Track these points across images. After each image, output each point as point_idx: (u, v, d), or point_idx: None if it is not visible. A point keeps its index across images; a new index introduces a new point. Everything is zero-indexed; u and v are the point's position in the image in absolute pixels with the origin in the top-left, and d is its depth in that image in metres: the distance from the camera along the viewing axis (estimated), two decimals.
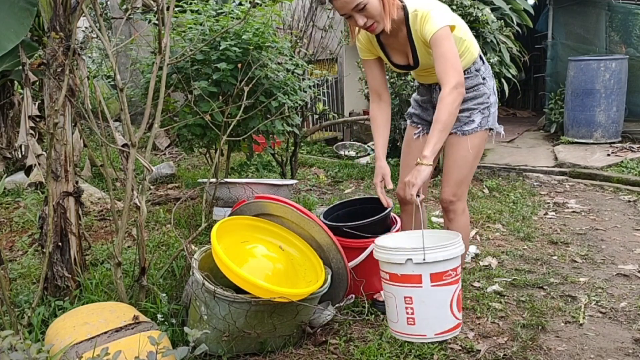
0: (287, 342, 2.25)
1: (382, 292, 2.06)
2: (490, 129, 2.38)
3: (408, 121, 2.56)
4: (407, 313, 1.91)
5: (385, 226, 2.65)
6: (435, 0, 2.21)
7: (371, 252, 2.53)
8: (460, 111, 2.27)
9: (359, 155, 6.38)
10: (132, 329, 1.91)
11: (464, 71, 2.24)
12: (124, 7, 4.81)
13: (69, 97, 2.37)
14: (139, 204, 2.29)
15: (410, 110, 2.57)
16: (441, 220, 3.83)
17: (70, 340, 1.81)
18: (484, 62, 2.34)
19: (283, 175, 4.66)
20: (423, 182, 2.04)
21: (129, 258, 2.92)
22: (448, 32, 2.07)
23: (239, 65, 3.17)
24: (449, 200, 2.35)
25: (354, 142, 6.83)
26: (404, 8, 2.14)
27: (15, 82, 4.89)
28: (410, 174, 2.07)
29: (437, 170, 4.38)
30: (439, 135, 2.05)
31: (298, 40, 4.49)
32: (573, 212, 4.13)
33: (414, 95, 2.56)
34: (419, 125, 2.49)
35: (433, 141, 2.05)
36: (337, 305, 2.43)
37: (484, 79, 2.31)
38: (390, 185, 2.27)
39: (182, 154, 6.35)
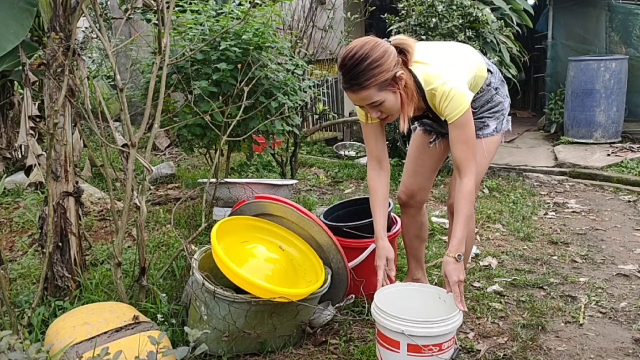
0: (287, 342, 2.25)
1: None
2: (508, 129, 2.35)
3: (420, 127, 2.45)
4: None
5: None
6: (451, 53, 2.11)
7: (371, 252, 2.54)
8: (475, 119, 2.19)
9: (359, 155, 6.38)
10: (132, 329, 1.91)
11: (478, 91, 2.18)
12: (124, 7, 4.81)
13: (69, 98, 2.37)
14: (139, 204, 2.29)
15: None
16: (441, 220, 3.83)
17: (70, 340, 1.81)
18: (492, 72, 2.25)
19: (283, 176, 4.66)
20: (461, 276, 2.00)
21: (129, 258, 2.92)
22: (469, 117, 1.97)
23: (239, 65, 3.17)
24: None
25: (354, 142, 6.83)
26: (414, 77, 2.01)
27: (15, 82, 4.90)
28: (453, 272, 1.98)
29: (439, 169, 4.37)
30: (464, 228, 2.00)
31: (298, 41, 4.49)
32: (573, 212, 4.13)
33: None
34: (433, 134, 2.40)
35: (459, 236, 1.99)
36: (337, 305, 2.43)
37: (496, 89, 2.25)
38: (394, 271, 2.15)
39: (182, 154, 6.35)
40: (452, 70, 2.01)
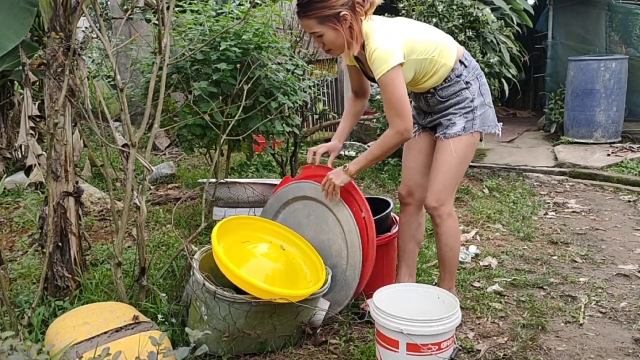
0: (287, 342, 2.25)
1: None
2: (481, 131, 2.36)
3: None
4: None
5: (385, 226, 2.65)
6: (401, 24, 2.21)
7: None
8: (443, 116, 2.30)
9: (358, 155, 6.38)
10: (132, 329, 1.91)
11: (444, 80, 2.25)
12: (125, 7, 4.81)
13: (69, 97, 2.37)
14: (139, 204, 2.29)
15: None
16: None
17: (71, 340, 1.81)
18: (466, 66, 2.28)
19: (283, 175, 4.65)
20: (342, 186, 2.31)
21: (129, 258, 2.92)
22: (392, 77, 2.06)
23: (239, 65, 3.17)
24: (432, 206, 2.33)
25: (354, 142, 6.82)
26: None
27: (15, 82, 4.89)
28: (334, 173, 2.32)
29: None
30: (366, 162, 2.29)
31: (298, 40, 4.49)
32: (573, 212, 4.13)
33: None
34: (415, 125, 2.47)
35: (362, 163, 2.28)
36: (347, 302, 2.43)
37: (467, 83, 2.26)
38: (317, 162, 2.47)
39: (182, 154, 6.35)
40: (388, 35, 2.12)
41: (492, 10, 5.08)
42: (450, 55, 2.24)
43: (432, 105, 2.34)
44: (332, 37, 2.10)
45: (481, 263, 3.14)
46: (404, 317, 1.89)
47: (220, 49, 3.32)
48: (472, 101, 2.28)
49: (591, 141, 5.98)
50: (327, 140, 7.30)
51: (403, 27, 2.20)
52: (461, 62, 2.28)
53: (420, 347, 1.87)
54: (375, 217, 2.64)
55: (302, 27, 2.18)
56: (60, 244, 2.41)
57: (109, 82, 7.27)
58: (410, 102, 2.41)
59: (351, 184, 2.40)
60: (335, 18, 2.05)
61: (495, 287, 2.81)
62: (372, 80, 2.34)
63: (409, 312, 1.97)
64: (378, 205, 2.75)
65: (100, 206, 4.12)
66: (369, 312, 2.11)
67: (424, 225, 2.63)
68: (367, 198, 2.92)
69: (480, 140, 2.42)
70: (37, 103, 3.37)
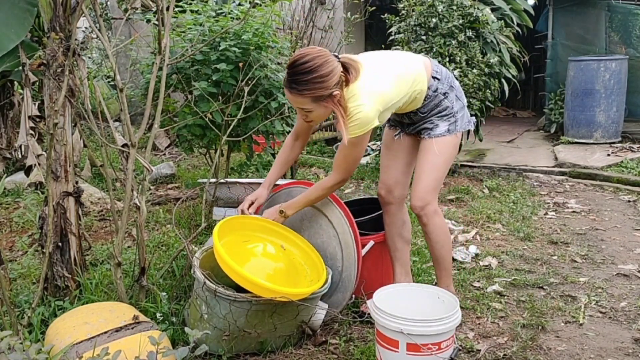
0: (287, 342, 2.25)
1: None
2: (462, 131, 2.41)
3: (387, 124, 2.56)
4: None
5: (382, 223, 2.65)
6: (371, 78, 2.17)
7: (370, 248, 2.54)
8: (425, 122, 2.35)
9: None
10: (132, 328, 1.91)
11: (424, 99, 2.29)
12: (124, 7, 4.81)
13: (69, 98, 2.37)
14: (139, 204, 2.29)
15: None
16: None
17: (71, 340, 1.82)
18: (439, 79, 2.32)
19: (283, 176, 4.65)
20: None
21: (129, 258, 2.92)
22: (362, 139, 2.14)
23: (239, 64, 3.17)
24: (418, 205, 2.34)
25: None
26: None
27: (15, 82, 4.89)
28: (268, 213, 2.39)
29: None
30: (301, 206, 2.37)
31: (298, 41, 4.49)
32: (573, 212, 4.13)
33: None
34: (397, 128, 2.51)
35: (296, 206, 2.36)
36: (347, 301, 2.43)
37: (444, 94, 2.32)
38: (248, 212, 2.43)
39: (182, 154, 6.35)
40: (372, 95, 2.11)
41: (492, 10, 5.08)
42: (424, 79, 2.28)
43: (415, 119, 2.40)
44: (321, 113, 2.13)
45: (481, 263, 3.14)
46: (404, 317, 1.89)
47: (220, 49, 3.32)
48: (452, 108, 2.34)
49: (591, 141, 5.98)
50: (327, 140, 7.32)
51: (384, 74, 2.20)
52: (433, 77, 2.31)
53: (420, 347, 1.87)
54: (373, 215, 2.65)
55: (289, 99, 2.12)
56: (60, 244, 2.41)
57: (109, 82, 7.27)
58: (391, 116, 2.44)
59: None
60: (328, 97, 2.06)
61: (495, 287, 2.81)
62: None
63: (409, 312, 1.97)
64: (377, 205, 2.75)
65: (100, 206, 4.12)
66: (368, 314, 2.11)
67: (409, 223, 2.63)
68: (365, 198, 2.95)
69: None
70: (37, 103, 3.36)
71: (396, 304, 2.08)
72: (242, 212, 2.43)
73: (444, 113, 2.33)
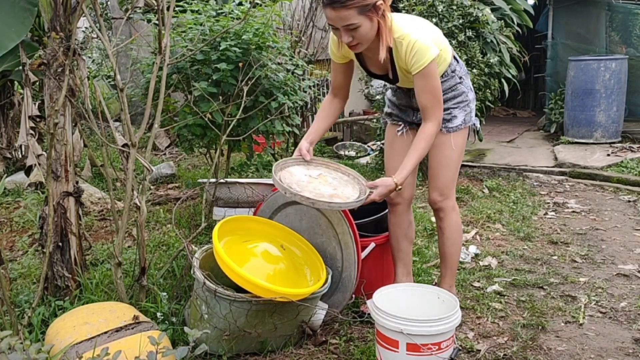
0: (288, 341, 2.25)
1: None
2: (474, 124, 2.41)
3: (388, 120, 2.51)
4: None
5: (384, 225, 2.65)
6: (417, 19, 2.18)
7: (371, 250, 2.54)
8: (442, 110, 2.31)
9: (359, 155, 6.38)
10: (132, 329, 1.91)
11: (442, 75, 2.24)
12: (124, 7, 4.82)
13: (69, 97, 2.37)
14: (139, 204, 2.29)
15: (388, 110, 2.52)
16: None
17: (71, 340, 1.82)
18: (458, 62, 2.32)
19: None
20: (383, 198, 2.16)
21: (129, 258, 2.92)
22: (433, 68, 2.07)
23: (240, 64, 3.17)
24: (438, 200, 2.36)
25: (354, 142, 6.83)
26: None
27: (15, 82, 4.90)
28: (380, 182, 2.16)
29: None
30: (414, 163, 2.16)
31: (298, 41, 4.49)
32: (573, 212, 4.13)
33: (389, 95, 2.51)
34: (400, 123, 2.46)
35: (408, 168, 2.15)
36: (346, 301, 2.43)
37: (460, 78, 2.30)
38: (308, 156, 2.32)
39: (182, 154, 6.35)
40: (418, 28, 2.11)
41: (492, 10, 5.08)
42: (449, 51, 2.27)
43: None
44: (368, 28, 1.99)
45: (481, 263, 3.14)
46: (404, 317, 1.89)
47: (221, 49, 3.32)
48: (467, 95, 2.33)
49: (591, 141, 5.98)
50: (327, 140, 7.33)
51: (419, 22, 2.19)
52: (454, 57, 2.31)
53: (420, 347, 1.87)
54: (374, 217, 2.65)
55: (332, 19, 1.96)
56: (60, 244, 2.41)
57: (109, 82, 7.27)
58: (401, 99, 2.41)
59: None
60: (373, 7, 1.96)
61: (495, 287, 2.81)
62: (373, 76, 2.33)
63: (409, 312, 1.97)
64: (377, 206, 2.75)
65: (100, 206, 4.12)
66: (368, 314, 2.11)
67: (414, 223, 2.62)
68: None
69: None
70: (37, 103, 3.37)
71: (396, 304, 2.08)
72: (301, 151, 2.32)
73: (459, 99, 2.30)
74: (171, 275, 2.67)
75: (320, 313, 2.33)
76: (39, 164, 2.92)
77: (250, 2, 3.27)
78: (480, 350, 2.22)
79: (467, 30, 4.69)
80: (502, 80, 5.05)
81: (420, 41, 2.03)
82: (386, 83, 2.43)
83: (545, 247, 3.42)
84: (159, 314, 2.26)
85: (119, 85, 2.27)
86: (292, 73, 3.77)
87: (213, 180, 3.20)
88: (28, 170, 3.67)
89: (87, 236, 2.63)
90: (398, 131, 2.45)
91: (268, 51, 3.53)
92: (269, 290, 2.03)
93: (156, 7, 2.30)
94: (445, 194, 2.35)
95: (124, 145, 2.33)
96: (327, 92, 7.28)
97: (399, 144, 2.45)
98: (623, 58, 5.92)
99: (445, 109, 2.29)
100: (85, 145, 2.97)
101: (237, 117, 2.85)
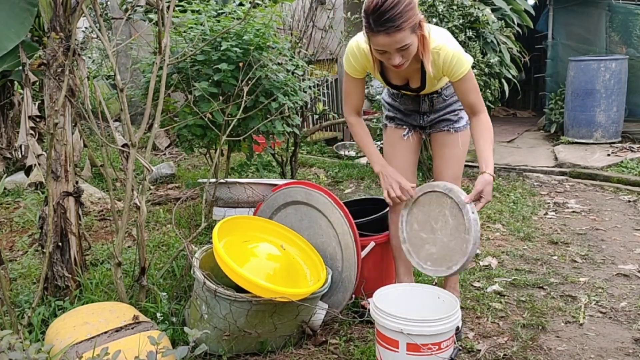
0: (288, 342, 2.25)
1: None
2: None
3: (390, 124, 2.49)
4: None
5: (385, 224, 2.65)
6: (444, 30, 2.20)
7: (371, 250, 2.54)
8: (448, 112, 2.35)
9: (359, 155, 6.38)
10: (132, 328, 1.91)
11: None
12: (124, 7, 4.82)
13: (69, 97, 2.37)
14: (139, 204, 2.29)
15: (389, 114, 2.50)
16: None
17: (71, 340, 1.81)
18: None
19: (283, 176, 4.65)
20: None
21: (129, 258, 2.92)
22: (471, 72, 2.14)
23: (240, 64, 3.17)
24: None
25: (354, 142, 6.82)
26: None
27: (15, 82, 4.90)
28: (481, 185, 2.06)
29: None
30: (492, 150, 2.18)
31: (298, 41, 4.49)
32: (573, 212, 4.13)
33: (389, 100, 2.49)
34: (405, 127, 2.45)
35: (491, 156, 2.16)
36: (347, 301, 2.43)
37: None
38: (413, 192, 2.22)
39: (182, 154, 6.35)
40: (447, 37, 2.14)
41: (493, 10, 5.08)
42: None
43: (435, 105, 2.36)
44: (415, 45, 2.00)
45: (481, 263, 3.14)
46: (404, 317, 1.89)
47: (222, 49, 3.32)
48: None
49: (591, 141, 5.98)
50: (327, 140, 7.32)
51: (441, 30, 2.20)
52: None
53: (421, 347, 1.87)
54: (374, 216, 2.65)
55: (384, 45, 1.93)
56: (60, 244, 2.41)
57: (109, 82, 7.27)
58: (407, 105, 2.42)
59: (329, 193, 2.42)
60: (419, 24, 1.97)
61: (495, 287, 2.81)
62: (392, 86, 2.32)
63: (409, 312, 1.97)
64: (378, 205, 2.75)
65: (100, 206, 4.12)
66: (368, 310, 2.11)
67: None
68: (365, 198, 2.95)
69: None
70: (37, 103, 3.37)
71: (396, 304, 2.08)
72: (397, 198, 2.23)
73: None
74: (171, 275, 2.67)
75: (320, 313, 2.33)
76: (39, 164, 2.92)
77: (250, 3, 3.26)
78: (480, 350, 2.22)
79: (467, 31, 4.69)
80: (503, 80, 5.04)
81: (458, 51, 2.09)
82: (389, 88, 2.42)
83: (545, 247, 3.42)
84: (158, 314, 2.26)
85: (119, 85, 2.27)
86: (293, 73, 3.77)
87: (213, 180, 3.19)
88: (28, 170, 3.66)
89: (87, 236, 2.63)
90: (404, 135, 2.45)
91: (268, 51, 3.53)
92: (269, 290, 2.03)
93: (156, 7, 2.30)
94: None
95: (124, 145, 2.33)
96: (327, 92, 7.22)
97: (402, 147, 2.46)
98: (623, 58, 5.92)
99: (452, 111, 2.35)
100: (85, 145, 2.97)
101: (238, 117, 2.84)
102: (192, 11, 3.59)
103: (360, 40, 2.15)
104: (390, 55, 1.99)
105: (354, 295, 2.53)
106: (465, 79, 2.12)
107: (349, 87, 2.32)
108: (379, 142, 5.85)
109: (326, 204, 2.43)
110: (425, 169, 5.01)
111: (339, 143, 6.88)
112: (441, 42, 2.08)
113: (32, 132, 2.94)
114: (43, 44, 2.36)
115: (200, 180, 4.13)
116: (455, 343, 1.99)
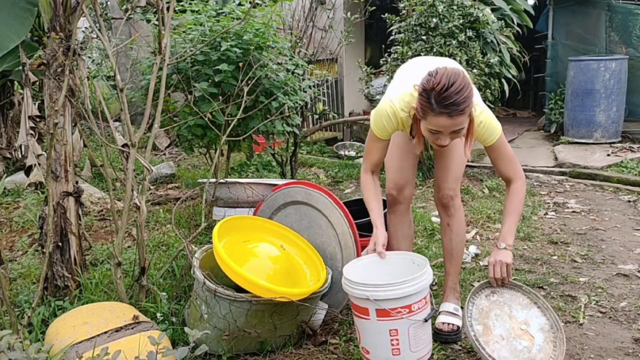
0: (287, 341, 2.25)
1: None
2: None
3: None
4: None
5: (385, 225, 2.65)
6: (474, 90, 2.15)
7: None
8: None
9: (359, 155, 6.38)
10: (132, 328, 1.92)
11: None
12: (124, 7, 4.81)
13: (69, 97, 2.37)
14: (139, 204, 2.29)
15: None
16: None
17: (71, 340, 1.82)
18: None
19: (283, 175, 4.66)
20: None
21: (129, 258, 2.92)
22: (503, 137, 2.14)
23: (240, 64, 3.17)
24: (449, 195, 2.38)
25: (354, 142, 6.83)
26: None
27: (15, 82, 4.90)
28: (499, 256, 2.14)
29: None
30: (517, 223, 2.21)
31: (298, 41, 4.50)
32: (573, 212, 4.13)
33: None
34: None
35: (514, 230, 2.19)
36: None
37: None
38: (384, 255, 2.18)
39: (182, 154, 6.35)
40: (479, 98, 2.14)
41: (493, 10, 5.08)
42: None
43: None
44: (466, 129, 2.03)
45: (481, 263, 3.14)
46: (370, 283, 1.88)
47: (222, 49, 3.32)
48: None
49: (591, 141, 5.98)
50: (327, 140, 7.32)
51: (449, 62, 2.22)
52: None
53: (389, 311, 1.85)
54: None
55: (444, 127, 1.92)
56: (60, 243, 2.41)
57: (109, 82, 7.27)
58: None
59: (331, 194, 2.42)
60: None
61: None
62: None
63: (382, 279, 1.96)
64: None
65: (100, 206, 4.12)
66: None
67: (414, 223, 2.62)
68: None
69: None
70: (37, 103, 3.36)
71: (370, 274, 2.08)
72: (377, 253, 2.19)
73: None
74: (171, 275, 2.67)
75: (320, 313, 2.33)
76: (39, 164, 2.92)
77: (250, 2, 3.27)
78: None
79: (467, 30, 4.69)
80: (502, 80, 5.05)
81: (489, 118, 2.08)
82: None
83: (545, 247, 3.42)
84: (158, 314, 2.26)
85: (119, 85, 2.27)
86: (293, 73, 3.77)
87: (213, 180, 3.20)
88: (28, 170, 3.65)
89: (87, 236, 2.63)
90: (404, 135, 2.42)
91: (268, 51, 3.53)
92: (269, 290, 2.03)
93: (156, 7, 2.30)
94: (456, 191, 2.40)
95: (124, 145, 2.33)
96: (327, 92, 7.20)
97: (403, 147, 2.44)
98: (623, 58, 5.92)
99: None
100: (85, 145, 2.96)
101: (238, 117, 2.85)
102: (192, 11, 3.59)
103: (396, 106, 2.11)
104: (442, 135, 1.97)
105: None
106: (496, 146, 2.13)
107: (373, 147, 2.28)
108: None
109: (326, 204, 2.43)
110: (425, 169, 5.01)
111: (339, 143, 6.88)
112: (478, 112, 2.05)
113: (32, 132, 2.94)
114: (43, 44, 2.36)
115: (200, 180, 4.13)
116: (431, 304, 1.97)
